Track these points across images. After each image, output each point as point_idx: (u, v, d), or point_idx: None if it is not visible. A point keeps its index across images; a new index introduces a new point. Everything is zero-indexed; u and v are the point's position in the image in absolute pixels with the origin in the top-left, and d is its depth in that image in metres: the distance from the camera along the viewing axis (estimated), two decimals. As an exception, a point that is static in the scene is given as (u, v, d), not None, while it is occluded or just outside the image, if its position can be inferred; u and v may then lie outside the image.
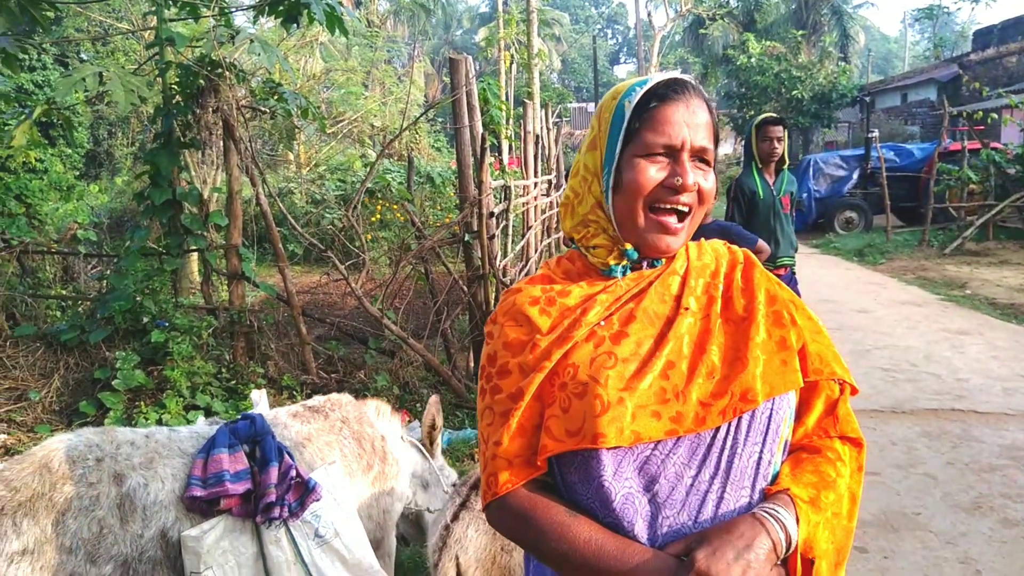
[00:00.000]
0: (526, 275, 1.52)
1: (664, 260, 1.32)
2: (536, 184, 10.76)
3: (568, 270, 1.37)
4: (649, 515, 1.16)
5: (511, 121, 11.37)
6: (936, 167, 13.86)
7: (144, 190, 5.81)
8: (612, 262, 1.30)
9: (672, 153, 1.24)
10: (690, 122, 1.23)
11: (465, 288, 6.41)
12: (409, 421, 3.09)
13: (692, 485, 1.16)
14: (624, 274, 1.31)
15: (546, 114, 13.67)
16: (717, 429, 1.17)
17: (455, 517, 2.28)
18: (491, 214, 6.46)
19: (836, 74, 27.34)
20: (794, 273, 5.22)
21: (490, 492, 1.25)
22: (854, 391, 1.30)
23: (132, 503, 2.04)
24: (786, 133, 5.01)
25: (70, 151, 14.31)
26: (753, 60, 27.91)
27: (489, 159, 6.59)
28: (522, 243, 9.44)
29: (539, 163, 11.56)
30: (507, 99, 11.38)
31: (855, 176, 16.79)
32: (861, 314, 9.09)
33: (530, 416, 1.23)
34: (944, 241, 13.42)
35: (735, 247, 1.40)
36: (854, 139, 27.90)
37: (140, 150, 14.68)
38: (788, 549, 1.12)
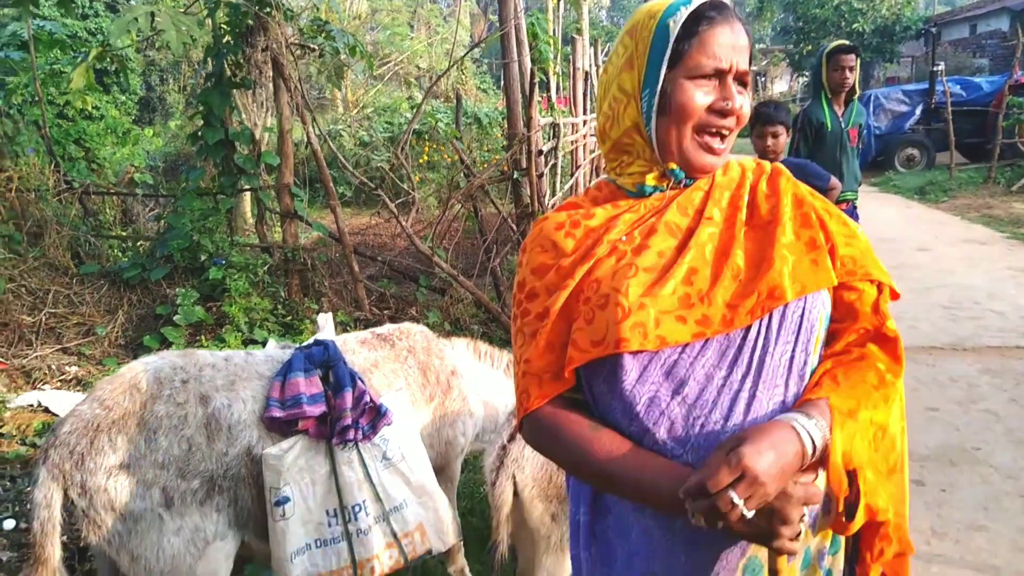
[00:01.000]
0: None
1: (693, 180, 1.30)
2: (585, 122, 10.59)
3: (595, 197, 1.38)
4: (680, 417, 1.17)
5: (559, 59, 11.14)
6: (1006, 101, 13.17)
7: (197, 131, 5.88)
8: (651, 182, 1.29)
9: (719, 76, 1.23)
10: (736, 44, 1.22)
11: (514, 227, 6.40)
12: None
13: (723, 385, 1.17)
14: (660, 192, 1.30)
15: (595, 52, 13.36)
16: (747, 329, 1.17)
17: (512, 438, 2.32)
18: (540, 152, 6.40)
19: (900, 5, 26.05)
20: (855, 208, 5.06)
21: (522, 408, 1.28)
22: (895, 295, 1.28)
23: (218, 423, 2.12)
24: (858, 62, 4.81)
25: (124, 98, 14.55)
26: (811, -9, 26.69)
27: (537, 96, 6.49)
28: (571, 182, 9.34)
29: (588, 101, 11.36)
30: (555, 34, 11.14)
31: (918, 112, 16.06)
32: (921, 252, 8.83)
33: (557, 333, 1.25)
34: (1012, 178, 12.83)
35: (763, 161, 1.38)
36: (917, 74, 26.65)
37: (192, 94, 14.85)
38: (814, 455, 1.10)
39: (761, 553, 1.20)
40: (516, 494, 2.27)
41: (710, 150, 1.25)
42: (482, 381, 2.92)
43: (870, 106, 16.19)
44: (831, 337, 1.26)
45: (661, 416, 1.17)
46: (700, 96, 1.22)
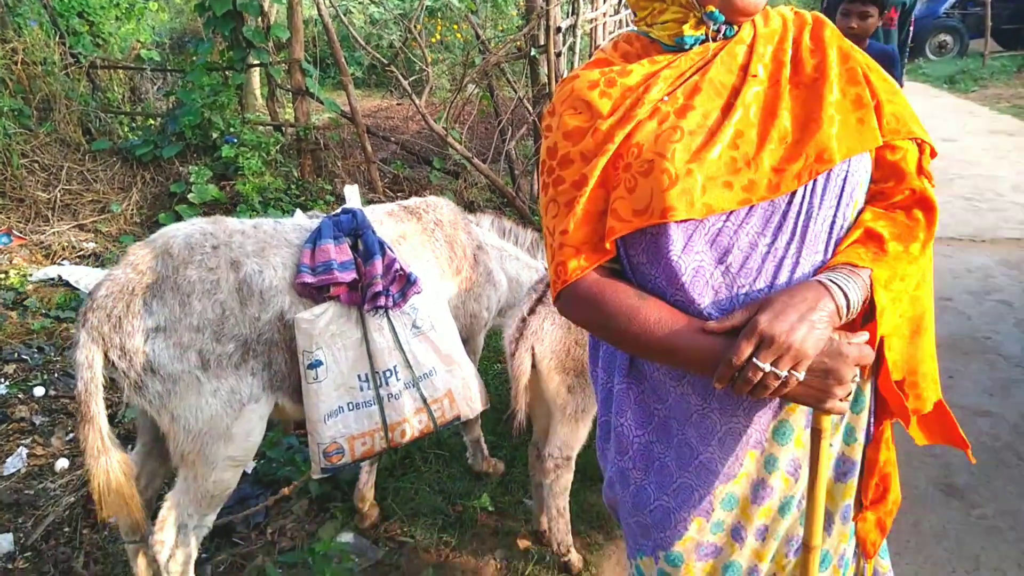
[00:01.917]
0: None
1: (734, 30, 1.23)
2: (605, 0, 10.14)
3: (626, 52, 1.27)
4: (724, 286, 1.15)
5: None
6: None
7: (205, 0, 5.67)
8: (688, 32, 1.21)
9: None
10: None
11: (530, 108, 6.24)
12: None
13: (768, 252, 1.15)
14: (693, 43, 1.22)
15: (617, -77, 12.62)
16: (792, 194, 1.14)
17: (531, 311, 2.34)
18: (558, 29, 6.16)
19: None
20: None
21: (559, 281, 1.23)
22: (933, 153, 1.24)
23: (249, 288, 2.14)
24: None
25: (125, -31, 13.96)
26: None
27: (557, -32, 6.17)
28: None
29: (608, -22, 10.82)
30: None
31: (954, -6, 15.29)
32: (946, 143, 8.61)
33: (595, 202, 1.20)
34: (1047, 67, 12.35)
35: (802, 11, 1.29)
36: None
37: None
38: (849, 312, 1.11)
39: (793, 417, 1.21)
40: (534, 366, 2.31)
41: None
42: (507, 257, 2.93)
43: (904, -13, 15.37)
44: (872, 198, 1.22)
45: (706, 286, 1.16)
46: None
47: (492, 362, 3.83)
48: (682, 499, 1.28)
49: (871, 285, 1.13)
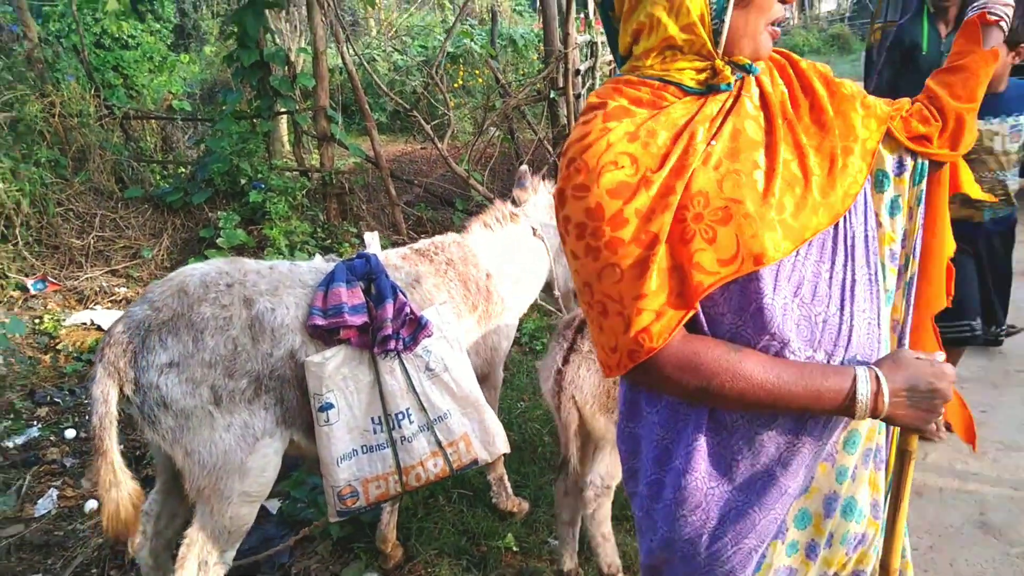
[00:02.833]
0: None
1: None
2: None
3: (638, 99, 1.19)
4: (803, 318, 1.18)
5: (597, -24, 10.76)
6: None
7: (233, 52, 5.86)
8: (723, 80, 1.18)
9: None
10: None
11: (550, 149, 6.32)
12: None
13: (831, 277, 1.19)
14: (729, 88, 1.20)
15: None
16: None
17: (565, 361, 2.36)
18: (577, 71, 6.26)
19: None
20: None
21: (643, 351, 1.12)
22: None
23: (261, 325, 2.18)
24: None
25: (159, 25, 14.46)
26: (865, -99, 25.22)
27: (575, 14, 6.31)
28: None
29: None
30: (593, -48, 10.74)
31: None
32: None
33: (667, 259, 1.12)
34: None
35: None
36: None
37: (226, 18, 14.72)
38: None
39: (860, 427, 1.26)
40: (578, 410, 2.35)
41: (773, 38, 1.21)
42: (510, 262, 2.88)
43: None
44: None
45: (792, 323, 1.17)
46: None
47: (515, 400, 3.82)
48: (763, 535, 1.25)
49: None
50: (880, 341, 1.26)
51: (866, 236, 1.24)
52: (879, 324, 1.25)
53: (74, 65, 7.38)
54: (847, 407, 1.14)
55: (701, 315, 1.18)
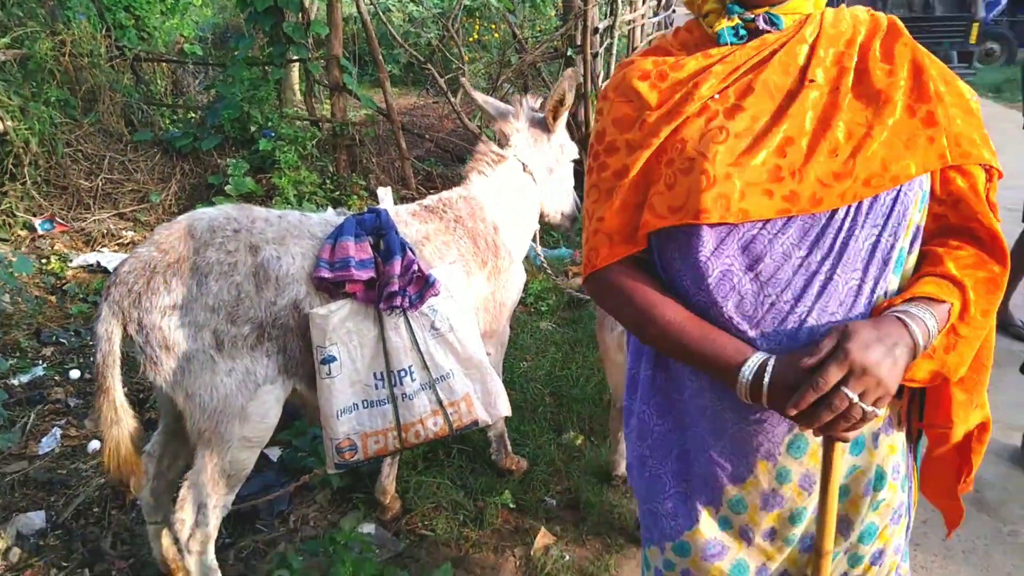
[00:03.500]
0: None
1: (787, 22, 1.18)
2: (644, 1, 10.10)
3: (685, 41, 1.25)
4: (751, 293, 1.13)
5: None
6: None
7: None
8: (721, 25, 1.18)
9: None
10: None
11: (565, 108, 6.24)
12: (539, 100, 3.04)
13: (800, 266, 1.12)
14: (735, 39, 1.18)
15: (659, -75, 12.54)
16: (835, 211, 1.11)
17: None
18: (595, 30, 6.15)
19: None
20: None
21: (590, 265, 1.26)
22: (999, 175, 1.18)
23: (266, 272, 2.17)
24: None
25: (172, -35, 14.23)
26: None
27: (596, -31, 6.16)
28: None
29: (648, -21, 10.78)
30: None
31: (1004, 1, 14.95)
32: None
33: (634, 194, 1.20)
34: (1099, 77, 12.00)
35: (879, 13, 1.23)
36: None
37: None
38: (924, 348, 1.10)
39: (808, 432, 1.18)
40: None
41: None
42: (512, 208, 2.84)
43: (950, -6, 15.07)
44: (935, 223, 1.19)
45: (731, 291, 1.14)
46: None
47: (518, 360, 3.83)
48: (693, 488, 1.29)
49: (948, 321, 1.12)
50: None
51: (877, 243, 1.13)
52: None
53: (85, 4, 7.27)
54: (732, 383, 1.12)
55: (658, 254, 1.24)
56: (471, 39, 10.85)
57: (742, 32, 1.19)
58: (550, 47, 6.28)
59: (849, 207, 1.10)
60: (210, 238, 2.13)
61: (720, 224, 1.12)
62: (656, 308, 1.19)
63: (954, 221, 1.17)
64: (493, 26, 10.69)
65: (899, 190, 1.11)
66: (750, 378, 1.09)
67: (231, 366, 2.11)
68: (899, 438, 1.28)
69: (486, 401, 2.43)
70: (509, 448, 3.01)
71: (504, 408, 2.47)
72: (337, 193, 5.72)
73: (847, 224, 1.11)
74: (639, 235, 1.20)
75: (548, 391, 3.55)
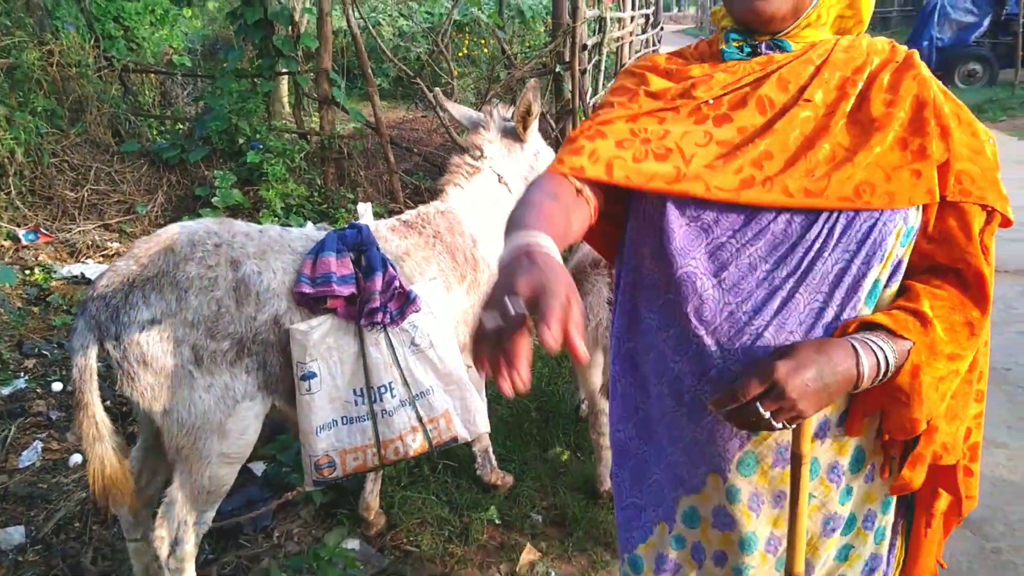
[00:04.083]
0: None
1: (796, 47, 1.19)
2: (633, 19, 10.19)
3: (703, 52, 1.29)
4: (711, 299, 1.14)
5: (609, -50, 10.61)
6: (1084, 14, 12.36)
7: (237, 8, 5.77)
8: (726, 45, 1.21)
9: None
10: None
11: (553, 124, 6.27)
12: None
13: (765, 279, 1.12)
14: (740, 55, 1.20)
15: (648, -57, 12.70)
16: (807, 231, 1.10)
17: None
18: (584, 46, 6.20)
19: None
20: None
21: (550, 167, 1.20)
22: (1007, 223, 1.15)
23: (247, 287, 2.15)
24: None
25: (162, -24, 14.26)
26: None
27: (585, -14, 6.23)
28: (614, 82, 9.08)
29: (637, -3, 10.89)
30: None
31: (986, 23, 15.12)
32: (973, 172, 8.52)
33: (610, 136, 1.18)
34: (1079, 98, 12.20)
35: (900, 46, 1.22)
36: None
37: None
38: (873, 382, 1.09)
39: (760, 448, 1.18)
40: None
41: None
42: (488, 220, 2.82)
43: (935, 16, 15.31)
44: (921, 260, 1.17)
45: (693, 294, 1.14)
46: None
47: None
48: (649, 499, 1.29)
49: (910, 360, 1.10)
50: None
51: (846, 269, 1.11)
52: None
53: (74, 14, 7.26)
54: None
55: (629, 258, 1.27)
56: (460, 54, 10.91)
57: (747, 49, 1.21)
58: (539, 63, 6.33)
59: (824, 225, 1.10)
60: (191, 252, 2.12)
61: (688, 228, 1.14)
62: (523, 202, 1.11)
63: (942, 260, 1.16)
64: (483, 41, 10.76)
65: (876, 218, 1.10)
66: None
67: (210, 382, 2.10)
68: (879, 488, 1.26)
69: (465, 418, 2.43)
70: (494, 463, 3.01)
71: (483, 425, 2.47)
72: (325, 206, 5.72)
73: (817, 245, 1.10)
74: (597, 168, 1.16)
75: (534, 406, 3.54)
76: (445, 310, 2.47)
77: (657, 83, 1.23)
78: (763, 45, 1.20)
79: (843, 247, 1.10)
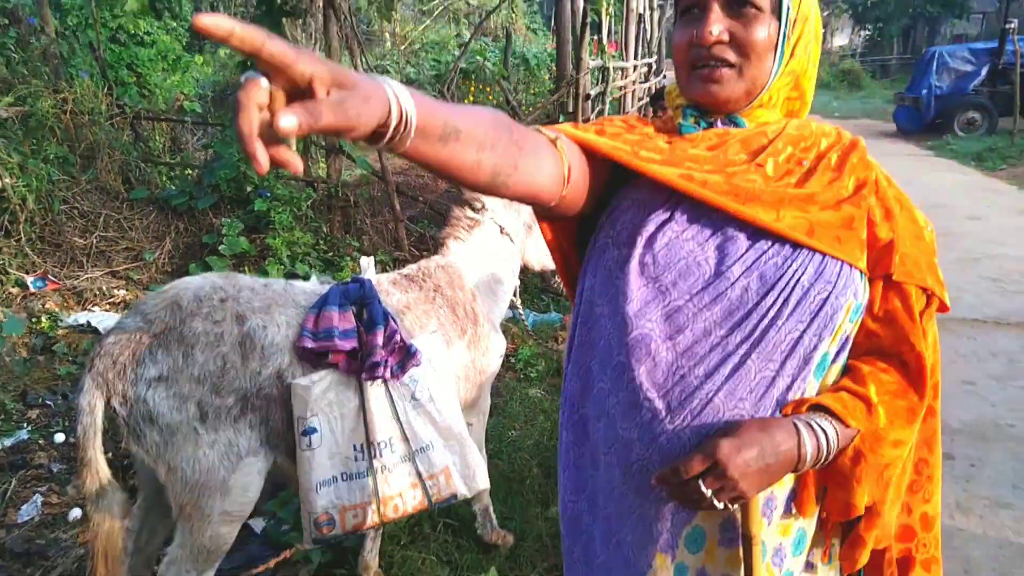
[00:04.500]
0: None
1: (749, 124, 1.24)
2: (635, 68, 10.36)
3: (660, 127, 1.32)
4: (664, 361, 1.14)
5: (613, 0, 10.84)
6: (1081, 65, 12.53)
7: (247, 60, 5.88)
8: (682, 120, 1.27)
9: (701, 7, 1.18)
10: None
11: (557, 173, 6.35)
12: None
13: (718, 344, 1.13)
14: (694, 128, 1.25)
15: (650, -6, 12.96)
16: (763, 298, 1.13)
17: None
18: (587, 96, 6.31)
19: (976, -44, 24.70)
20: None
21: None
22: (944, 308, 1.21)
23: (252, 342, 2.18)
24: None
25: (175, 23, 14.57)
26: (882, -61, 25.47)
27: (588, 38, 6.36)
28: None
29: (640, 46, 11.08)
30: (610, -23, 10.79)
31: (983, 72, 15.34)
32: (972, 221, 8.58)
33: (581, 152, 1.17)
34: (1078, 148, 12.30)
35: (844, 132, 1.30)
36: (988, 32, 25.45)
37: (243, 22, 14.76)
38: (816, 464, 1.11)
39: (708, 523, 1.18)
40: None
41: (703, 77, 1.19)
42: (490, 274, 2.86)
43: (933, 64, 15.55)
44: (867, 339, 1.21)
45: (647, 356, 1.15)
46: (681, 32, 1.21)
47: (506, 429, 3.82)
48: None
49: (854, 446, 1.13)
50: None
51: (799, 340, 1.13)
52: None
53: (89, 62, 7.42)
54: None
55: (584, 308, 1.27)
56: (467, 101, 11.08)
57: (704, 124, 1.26)
58: (543, 113, 6.43)
59: (779, 296, 1.13)
60: (197, 308, 2.15)
61: (644, 287, 1.16)
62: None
63: (886, 342, 1.19)
64: (488, 89, 10.93)
65: (829, 292, 1.13)
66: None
67: (214, 438, 2.11)
68: (822, 572, 1.26)
69: (465, 474, 2.43)
70: (495, 522, 2.99)
71: (483, 481, 2.47)
72: (331, 254, 5.77)
73: (772, 313, 1.12)
74: (580, 138, 1.17)
75: (536, 462, 3.53)
76: (445, 364, 2.49)
77: (619, 126, 1.28)
78: (719, 121, 1.25)
79: (797, 317, 1.12)
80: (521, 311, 3.37)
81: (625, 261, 1.19)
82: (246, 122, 0.69)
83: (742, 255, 1.15)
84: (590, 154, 1.17)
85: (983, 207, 9.35)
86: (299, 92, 0.73)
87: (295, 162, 0.74)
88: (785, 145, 1.22)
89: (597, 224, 1.29)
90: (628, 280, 1.17)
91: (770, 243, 1.15)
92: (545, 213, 1.22)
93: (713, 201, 1.14)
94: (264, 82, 0.71)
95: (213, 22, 0.67)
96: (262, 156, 0.71)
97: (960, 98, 15.39)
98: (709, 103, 1.23)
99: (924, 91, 15.53)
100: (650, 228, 1.19)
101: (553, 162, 1.07)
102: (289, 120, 0.69)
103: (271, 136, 0.71)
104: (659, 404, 1.14)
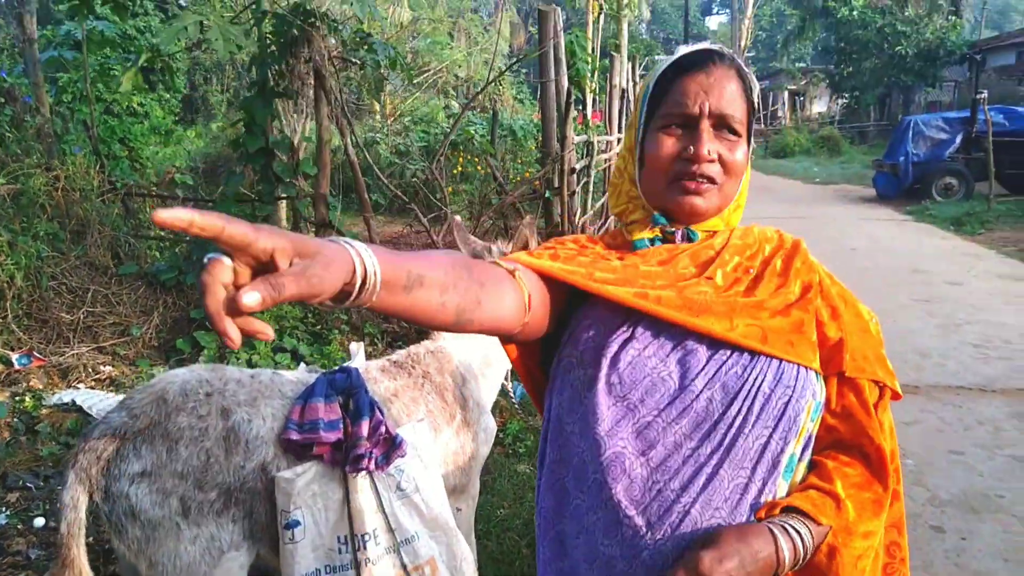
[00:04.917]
0: (605, 231, 1.61)
1: (701, 236, 1.31)
2: (619, 140, 10.62)
3: (609, 244, 1.38)
4: (640, 477, 1.16)
5: (596, 74, 11.18)
6: (1051, 132, 12.93)
7: (239, 138, 6.01)
8: (639, 236, 1.32)
9: (691, 122, 1.24)
10: (711, 89, 1.23)
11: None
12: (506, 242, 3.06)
13: (691, 456, 1.16)
14: (647, 245, 1.31)
15: (633, 67, 13.38)
16: (728, 407, 1.16)
17: None
18: (572, 171, 6.45)
19: (945, 29, 25.72)
20: None
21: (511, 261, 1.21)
22: (896, 396, 1.26)
23: (236, 436, 2.18)
24: None
25: (168, 96, 14.85)
26: (855, 13, 26.53)
27: (573, 113, 6.54)
28: (603, 200, 9.37)
29: (623, 117, 11.38)
30: (594, 51, 11.13)
31: (958, 140, 15.82)
32: (953, 286, 8.70)
33: (538, 278, 1.20)
34: (1053, 212, 12.59)
35: (785, 235, 1.37)
36: (960, 100, 26.30)
37: (234, 96, 15.10)
38: (793, 566, 1.13)
39: None
40: None
41: (686, 190, 1.25)
42: (480, 357, 2.88)
43: (909, 132, 16.01)
44: (827, 434, 1.24)
45: (622, 474, 1.17)
46: (669, 144, 1.25)
47: (495, 507, 3.79)
48: None
49: (827, 542, 1.15)
50: None
51: (766, 444, 1.16)
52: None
53: (82, 138, 7.54)
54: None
55: (553, 395, 1.29)
56: (455, 171, 11.28)
57: (658, 241, 1.32)
58: (529, 188, 6.56)
59: (742, 406, 1.16)
60: (183, 403, 2.16)
61: (614, 407, 1.18)
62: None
63: (846, 436, 1.23)
64: (476, 159, 11.14)
65: (790, 396, 1.17)
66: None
67: (196, 533, 2.10)
68: None
69: (451, 565, 2.41)
70: (483, 607, 2.94)
71: (470, 572, 2.44)
72: (319, 327, 5.78)
73: (738, 422, 1.15)
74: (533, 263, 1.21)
75: (525, 542, 3.49)
76: (432, 452, 2.49)
77: (571, 249, 1.33)
78: (679, 234, 1.31)
79: (762, 423, 1.16)
80: (509, 385, 3.38)
81: (592, 381, 1.21)
82: (213, 303, 0.72)
83: (703, 367, 1.19)
84: (547, 279, 1.21)
85: (963, 272, 9.49)
86: (263, 265, 0.76)
87: (265, 331, 0.76)
88: (732, 255, 1.29)
89: (560, 341, 1.32)
90: (597, 400, 1.19)
91: (728, 353, 1.19)
92: (509, 339, 1.26)
93: (669, 317, 1.18)
94: (227, 260, 0.74)
95: (171, 215, 0.70)
96: (233, 332, 0.73)
97: (937, 164, 15.81)
98: (687, 214, 1.28)
99: (902, 158, 15.95)
100: (613, 348, 1.21)
101: (514, 293, 1.11)
102: (252, 297, 0.72)
103: (239, 310, 0.73)
104: (639, 520, 1.15)
